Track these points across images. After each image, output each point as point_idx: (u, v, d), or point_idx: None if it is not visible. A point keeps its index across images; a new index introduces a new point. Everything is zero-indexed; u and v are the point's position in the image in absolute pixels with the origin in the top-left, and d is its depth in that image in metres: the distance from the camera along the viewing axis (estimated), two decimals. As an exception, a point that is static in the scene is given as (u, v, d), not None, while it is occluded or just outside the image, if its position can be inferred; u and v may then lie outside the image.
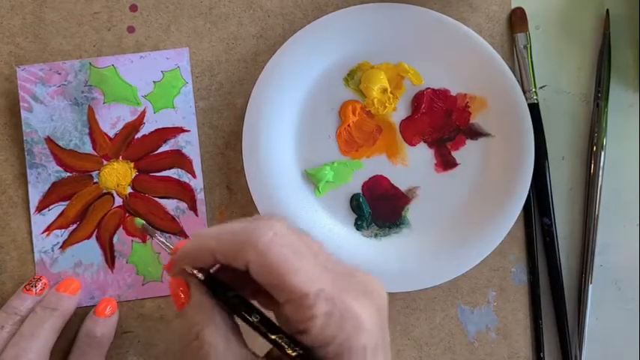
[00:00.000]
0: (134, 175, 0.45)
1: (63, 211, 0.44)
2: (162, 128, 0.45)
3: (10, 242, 0.44)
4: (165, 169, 0.45)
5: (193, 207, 0.45)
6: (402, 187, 0.45)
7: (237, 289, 0.31)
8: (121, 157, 0.45)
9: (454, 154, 0.46)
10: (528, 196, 0.44)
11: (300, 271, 0.28)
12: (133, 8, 0.46)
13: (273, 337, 0.29)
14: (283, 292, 0.28)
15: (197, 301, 0.31)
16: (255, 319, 0.30)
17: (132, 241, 0.44)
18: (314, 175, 0.45)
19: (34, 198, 0.44)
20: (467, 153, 0.45)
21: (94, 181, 0.45)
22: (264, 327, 0.30)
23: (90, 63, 0.45)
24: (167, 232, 0.45)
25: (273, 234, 0.29)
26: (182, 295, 0.32)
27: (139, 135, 0.45)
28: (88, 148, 0.45)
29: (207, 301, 0.31)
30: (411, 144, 0.46)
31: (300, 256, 0.29)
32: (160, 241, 0.36)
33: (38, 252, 0.44)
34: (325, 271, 0.29)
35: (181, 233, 0.45)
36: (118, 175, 0.45)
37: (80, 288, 0.43)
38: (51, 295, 0.42)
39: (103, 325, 0.42)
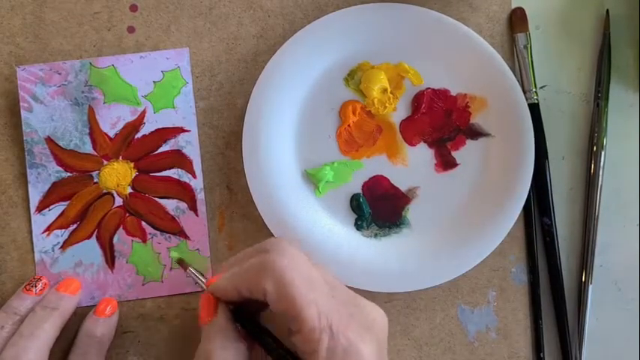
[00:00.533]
0: (134, 175, 0.45)
1: (63, 211, 0.44)
2: (163, 128, 0.45)
3: (10, 242, 0.44)
4: (165, 169, 0.45)
5: (193, 207, 0.45)
6: (402, 187, 0.45)
7: (262, 320, 0.35)
8: (121, 157, 0.45)
9: (454, 154, 0.45)
10: (528, 196, 0.44)
11: (312, 304, 0.31)
12: (133, 8, 0.46)
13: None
14: (296, 321, 0.31)
15: (218, 323, 0.34)
16: (275, 346, 0.33)
17: (132, 241, 0.44)
18: (314, 175, 0.45)
19: (35, 198, 0.44)
20: (467, 153, 0.45)
21: (94, 181, 0.45)
22: (283, 351, 0.33)
23: (90, 63, 0.45)
24: (167, 232, 0.45)
25: (288, 260, 0.32)
26: (208, 317, 0.34)
27: (139, 135, 0.45)
28: (88, 148, 0.45)
29: (226, 324, 0.34)
30: (411, 144, 0.46)
31: (314, 287, 0.31)
32: (193, 276, 0.38)
33: (38, 252, 0.44)
34: (333, 303, 0.32)
35: (181, 233, 0.45)
36: (118, 175, 0.45)
37: (80, 288, 0.43)
38: (51, 295, 0.42)
39: (103, 325, 0.42)
